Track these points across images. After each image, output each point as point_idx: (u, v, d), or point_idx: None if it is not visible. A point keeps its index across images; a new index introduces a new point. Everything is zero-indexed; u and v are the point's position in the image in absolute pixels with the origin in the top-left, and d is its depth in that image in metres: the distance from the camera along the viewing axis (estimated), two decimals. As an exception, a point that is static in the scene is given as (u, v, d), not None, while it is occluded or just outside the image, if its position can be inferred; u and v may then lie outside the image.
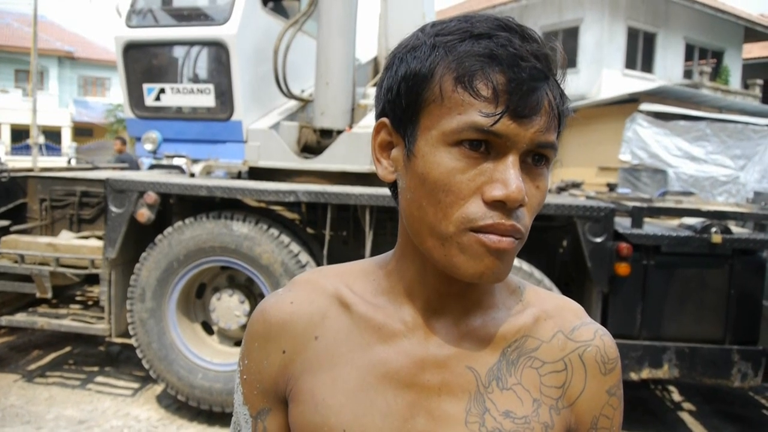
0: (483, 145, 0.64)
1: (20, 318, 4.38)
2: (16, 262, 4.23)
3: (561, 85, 0.68)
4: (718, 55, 18.90)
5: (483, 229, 0.64)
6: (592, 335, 0.77)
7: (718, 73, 18.35)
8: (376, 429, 0.71)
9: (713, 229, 3.71)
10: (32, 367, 4.92)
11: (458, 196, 0.65)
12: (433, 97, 0.65)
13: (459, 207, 0.65)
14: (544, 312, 0.78)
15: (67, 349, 5.38)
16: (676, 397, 4.97)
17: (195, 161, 4.75)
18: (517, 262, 3.67)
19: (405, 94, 0.68)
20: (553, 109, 0.65)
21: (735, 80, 18.90)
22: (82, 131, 25.13)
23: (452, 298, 0.74)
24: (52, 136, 23.97)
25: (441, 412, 0.72)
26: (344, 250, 4.23)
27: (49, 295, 4.21)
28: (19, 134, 24.04)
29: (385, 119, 0.72)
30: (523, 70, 0.62)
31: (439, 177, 0.65)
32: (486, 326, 0.75)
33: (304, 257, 3.87)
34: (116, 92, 26.69)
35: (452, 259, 0.66)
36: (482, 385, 0.72)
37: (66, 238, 4.64)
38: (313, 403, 0.74)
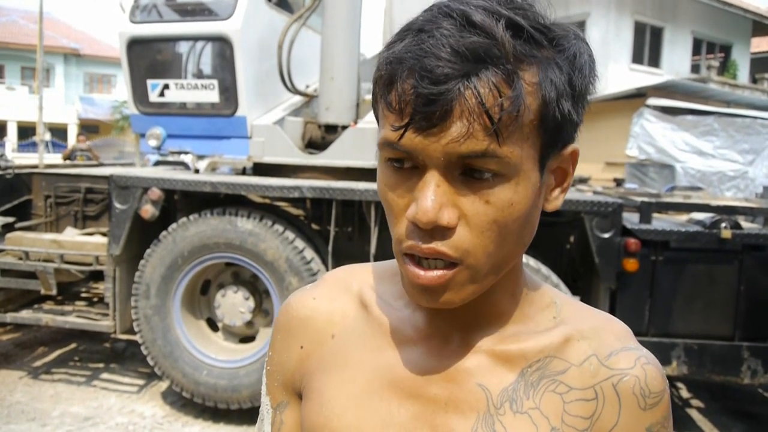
0: (409, 162, 0.58)
1: (25, 315, 4.38)
2: (20, 258, 4.23)
3: (510, 76, 0.54)
4: (726, 50, 18.77)
5: (407, 251, 0.60)
6: (632, 363, 0.67)
7: (726, 68, 18.22)
8: None
9: (723, 225, 3.66)
10: (37, 364, 4.92)
11: (394, 215, 0.61)
12: (377, 110, 0.62)
13: (395, 226, 0.62)
14: (579, 332, 0.69)
15: (72, 345, 5.38)
16: (685, 394, 4.93)
17: (201, 157, 4.73)
18: (524, 258, 3.63)
19: (373, 104, 0.64)
20: (475, 111, 0.54)
21: (743, 74, 18.76)
22: (88, 128, 25.16)
23: (461, 311, 0.67)
24: (59, 133, 24.03)
25: (446, 429, 0.66)
26: (349, 246, 4.20)
27: (54, 291, 4.20)
28: (26, 131, 24.12)
29: None
30: (428, 73, 0.53)
31: (380, 192, 0.63)
32: (505, 341, 0.68)
33: (309, 253, 3.84)
34: (122, 89, 26.71)
35: (403, 281, 0.64)
36: (493, 406, 0.66)
37: (70, 234, 4.64)
38: (320, 403, 0.72)
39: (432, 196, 0.56)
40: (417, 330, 0.71)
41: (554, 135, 0.60)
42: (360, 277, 0.78)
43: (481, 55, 0.54)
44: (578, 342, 0.68)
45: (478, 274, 0.61)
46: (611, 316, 0.74)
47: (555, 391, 0.66)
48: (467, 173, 0.58)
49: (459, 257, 0.59)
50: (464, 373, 0.68)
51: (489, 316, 0.69)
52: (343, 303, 0.76)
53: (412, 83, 0.55)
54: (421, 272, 0.60)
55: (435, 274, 0.59)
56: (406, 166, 0.59)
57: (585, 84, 0.62)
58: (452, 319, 0.69)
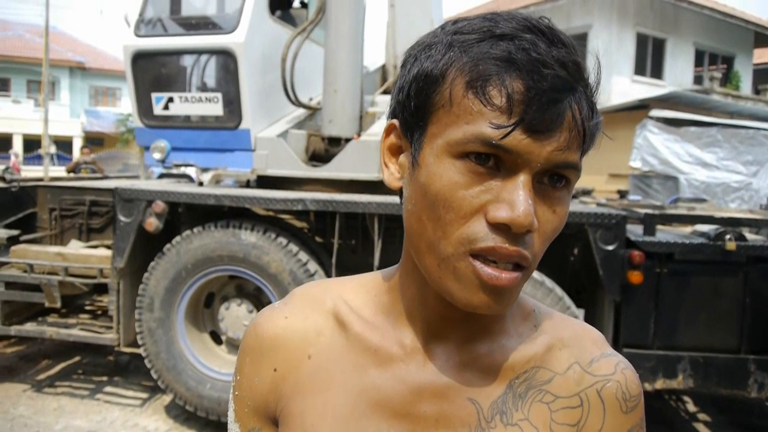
0: (492, 160, 0.58)
1: (29, 327, 4.38)
2: (25, 271, 4.24)
3: (592, 98, 0.60)
4: (729, 61, 18.79)
5: (483, 252, 0.58)
6: (612, 369, 0.70)
7: (728, 79, 18.23)
8: None
9: (727, 236, 3.65)
10: (41, 376, 4.91)
11: (459, 214, 0.58)
12: (442, 102, 0.59)
13: (459, 226, 0.59)
14: (560, 340, 0.71)
15: (76, 358, 5.38)
16: (691, 407, 4.89)
17: (205, 170, 4.75)
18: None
19: (415, 96, 0.62)
20: (577, 124, 0.57)
21: (746, 85, 18.77)
22: (93, 141, 25.29)
23: (455, 322, 0.68)
24: (64, 146, 24.16)
25: None
26: (353, 259, 4.20)
27: (58, 304, 4.20)
28: (31, 144, 24.26)
29: (395, 121, 0.67)
30: (544, 79, 0.55)
31: (441, 190, 0.59)
32: (492, 354, 0.68)
33: (313, 266, 3.84)
34: (127, 102, 26.87)
35: (446, 283, 0.61)
36: (484, 419, 0.66)
37: (75, 247, 4.65)
38: (302, 428, 0.69)
39: (529, 200, 0.57)
40: (401, 346, 0.69)
41: (586, 148, 0.63)
42: (333, 293, 0.75)
43: (580, 72, 0.59)
44: (560, 351, 0.71)
45: (527, 281, 0.62)
46: (585, 323, 0.76)
47: (542, 401, 0.68)
48: (544, 182, 0.59)
49: (531, 261, 0.60)
50: (453, 389, 0.67)
51: (476, 331, 0.69)
52: (317, 320, 0.73)
53: (527, 85, 0.55)
54: (502, 274, 0.58)
55: (514, 275, 0.59)
56: (489, 164, 0.58)
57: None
58: (441, 334, 0.69)
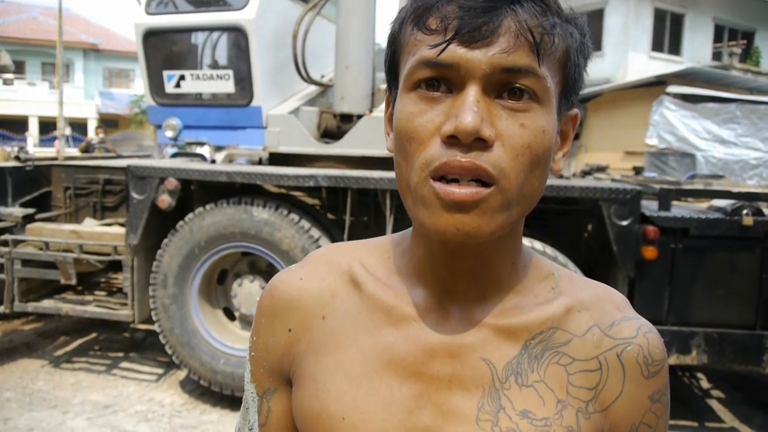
0: (442, 85, 0.58)
1: (46, 304, 4.44)
2: (41, 249, 4.28)
3: (545, 6, 0.59)
4: (749, 36, 18.40)
5: (439, 171, 0.57)
6: (634, 332, 0.68)
7: (748, 55, 17.86)
8: (378, 419, 0.65)
9: (744, 211, 3.59)
10: (59, 353, 4.99)
11: (419, 142, 0.59)
12: (401, 50, 0.63)
13: (420, 153, 0.59)
14: (579, 302, 0.69)
15: (93, 335, 5.45)
16: (705, 384, 4.87)
17: (219, 149, 4.75)
18: (540, 245, 3.61)
19: (389, 58, 0.66)
20: (522, 27, 0.56)
21: (766, 61, 18.38)
22: (108, 123, 25.42)
23: (465, 277, 0.66)
24: (79, 128, 24.30)
25: (450, 406, 0.65)
26: (365, 235, 4.14)
27: (74, 281, 4.25)
28: (47, 126, 24.42)
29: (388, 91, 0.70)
30: None
31: (403, 125, 0.60)
32: (507, 314, 0.67)
33: (325, 242, 3.84)
34: (140, 84, 26.95)
35: (418, 215, 0.60)
36: (498, 380, 0.65)
37: (89, 225, 4.69)
38: (314, 388, 0.69)
39: (474, 108, 0.56)
40: (415, 306, 0.68)
41: (571, 84, 0.63)
42: (348, 255, 0.75)
43: None
44: (579, 313, 0.68)
45: (509, 202, 0.59)
46: (609, 286, 0.74)
47: (559, 363, 0.66)
48: (504, 96, 0.58)
49: (496, 176, 0.57)
50: (467, 348, 0.66)
51: (489, 287, 0.68)
52: (332, 282, 0.73)
53: (460, 3, 0.57)
54: (456, 189, 0.57)
55: (471, 190, 0.57)
56: (440, 90, 0.59)
57: (589, 54, 0.66)
58: (453, 291, 0.68)
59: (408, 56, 0.61)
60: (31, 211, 4.77)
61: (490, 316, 0.67)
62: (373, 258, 0.74)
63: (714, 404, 4.47)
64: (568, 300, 0.69)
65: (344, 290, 0.72)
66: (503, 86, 0.58)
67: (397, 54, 0.64)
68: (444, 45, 0.56)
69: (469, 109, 0.56)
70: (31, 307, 4.41)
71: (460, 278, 0.67)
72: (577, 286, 0.71)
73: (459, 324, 0.67)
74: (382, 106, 4.61)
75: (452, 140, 0.57)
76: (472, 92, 0.57)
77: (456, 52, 0.57)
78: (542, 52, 0.58)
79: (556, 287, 0.70)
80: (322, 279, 0.74)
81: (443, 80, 0.58)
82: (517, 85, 0.58)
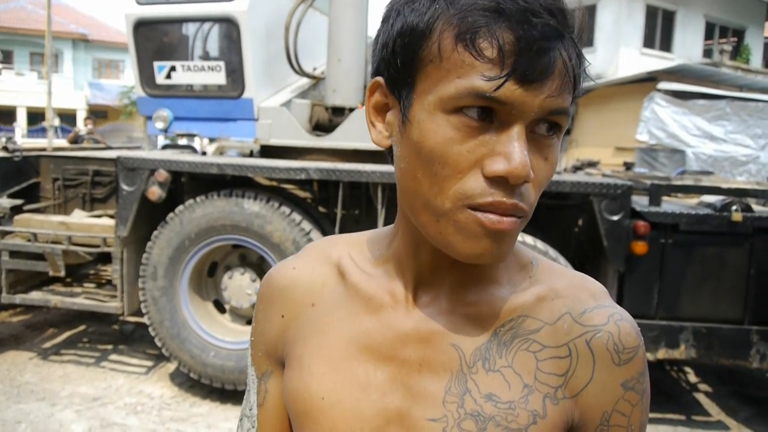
0: (485, 113, 0.57)
1: (34, 296, 4.41)
2: (29, 240, 4.25)
3: (578, 45, 0.59)
4: (739, 34, 18.49)
5: (482, 207, 0.58)
6: (605, 319, 0.67)
7: (738, 52, 17.95)
8: (353, 400, 0.69)
9: (733, 207, 3.62)
10: (47, 345, 4.96)
11: (456, 169, 0.58)
12: (430, 57, 0.58)
13: (456, 181, 0.59)
14: (553, 291, 0.70)
15: (82, 327, 5.42)
16: (692, 378, 4.91)
17: (212, 140, 4.72)
18: (531, 240, 3.62)
19: (401, 53, 0.61)
20: (567, 70, 0.57)
21: (756, 59, 18.50)
22: (97, 114, 25.21)
23: (446, 271, 0.69)
24: (68, 119, 24.08)
25: (419, 388, 0.68)
26: (356, 229, 4.16)
27: (62, 273, 4.22)
28: (35, 117, 24.19)
29: (380, 78, 0.66)
30: (533, 27, 0.55)
31: (435, 147, 0.59)
32: (479, 303, 0.69)
33: (316, 236, 3.83)
34: (130, 75, 26.73)
35: (447, 238, 0.61)
36: (466, 365, 0.67)
37: (78, 216, 4.66)
38: (300, 370, 0.73)
39: (525, 151, 0.57)
40: (392, 295, 0.72)
41: (576, 94, 0.63)
42: (340, 247, 0.79)
43: (569, 19, 0.58)
44: (552, 301, 0.70)
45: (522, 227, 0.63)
46: (588, 276, 0.75)
47: (528, 350, 0.67)
48: (535, 131, 0.59)
49: (528, 210, 0.61)
50: (438, 335, 0.69)
51: (465, 277, 0.70)
52: (323, 272, 0.77)
53: (519, 34, 0.55)
54: (504, 218, 0.59)
55: (513, 219, 0.59)
56: (480, 119, 0.57)
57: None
58: (430, 282, 0.71)
59: (452, 76, 0.57)
60: (19, 202, 4.72)
61: (463, 304, 0.69)
62: (361, 250, 0.77)
63: (701, 398, 4.52)
64: (542, 288, 0.70)
65: (333, 280, 0.77)
66: (539, 122, 0.59)
67: (423, 60, 0.60)
68: (503, 81, 0.55)
69: (521, 152, 0.56)
70: (19, 298, 4.38)
71: (441, 272, 0.70)
72: (555, 276, 0.72)
73: (432, 312, 0.70)
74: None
75: (500, 180, 0.57)
76: (521, 133, 0.57)
77: (512, 91, 0.56)
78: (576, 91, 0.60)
79: (533, 276, 0.72)
80: (313, 269, 0.78)
81: (488, 110, 0.57)
82: (553, 122, 0.60)
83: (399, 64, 0.61)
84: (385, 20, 0.64)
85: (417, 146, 0.60)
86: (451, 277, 0.70)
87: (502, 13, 0.55)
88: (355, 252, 0.77)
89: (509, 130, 0.57)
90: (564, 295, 0.70)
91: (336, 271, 0.77)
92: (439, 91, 0.58)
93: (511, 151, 0.56)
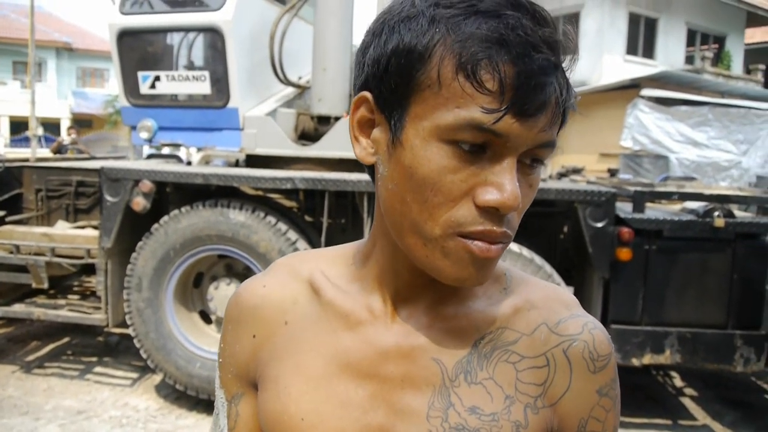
0: (481, 145, 0.58)
1: (17, 309, 4.36)
2: (11, 252, 4.20)
3: (568, 76, 0.60)
4: (720, 41, 18.75)
5: (472, 235, 0.59)
6: (579, 329, 0.69)
7: (720, 59, 18.19)
8: (335, 419, 0.68)
9: (716, 213, 3.67)
10: (30, 358, 4.90)
11: (447, 197, 0.59)
12: (429, 83, 0.57)
13: (447, 209, 0.59)
14: (529, 302, 0.71)
15: (65, 339, 5.36)
16: (678, 382, 4.94)
17: (198, 149, 4.70)
18: (516, 248, 3.63)
19: (395, 73, 0.59)
20: (558, 104, 0.58)
21: (737, 65, 18.75)
22: (82, 122, 25.02)
23: (424, 288, 0.69)
24: (52, 128, 23.86)
25: (402, 405, 0.67)
26: (342, 238, 4.19)
27: (45, 285, 4.18)
28: (18, 126, 23.95)
29: (367, 94, 0.63)
30: (534, 62, 0.55)
31: (429, 175, 0.58)
32: (458, 316, 0.69)
33: (302, 245, 3.83)
34: (114, 83, 26.59)
35: (435, 262, 0.62)
36: (448, 379, 0.67)
37: (62, 228, 4.61)
38: (276, 391, 0.71)
39: (516, 183, 0.58)
40: (371, 311, 0.71)
41: (563, 126, 0.64)
42: (310, 263, 0.77)
43: (562, 52, 0.58)
44: (528, 312, 0.71)
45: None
46: (559, 286, 0.76)
47: (508, 361, 0.68)
48: (524, 162, 0.60)
49: (511, 237, 0.62)
50: (418, 350, 0.68)
51: (443, 293, 0.70)
52: (294, 289, 0.76)
53: (519, 69, 0.55)
54: (492, 246, 0.60)
55: (500, 246, 0.61)
56: (473, 149, 0.58)
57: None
58: (408, 298, 0.70)
59: (450, 105, 0.57)
60: (1, 213, 4.67)
61: (442, 319, 0.70)
62: (334, 266, 0.76)
63: (687, 402, 4.55)
64: (517, 300, 0.71)
65: (305, 297, 0.75)
66: (528, 154, 0.60)
67: (420, 85, 0.58)
68: (502, 114, 0.55)
69: (512, 184, 0.57)
70: (1, 311, 4.32)
71: (419, 288, 0.70)
72: (528, 287, 0.73)
73: (411, 327, 0.69)
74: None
75: (490, 209, 0.58)
76: (513, 164, 0.58)
77: (510, 124, 0.56)
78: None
79: (508, 287, 0.72)
80: (284, 286, 0.76)
81: (484, 143, 0.58)
82: (540, 155, 0.61)
83: (392, 84, 0.60)
84: (376, 34, 0.62)
85: (409, 171, 0.60)
86: (430, 292, 0.70)
87: (504, 44, 0.55)
88: (327, 268, 0.75)
89: (501, 161, 0.58)
90: (539, 306, 0.71)
91: (308, 288, 0.75)
92: (437, 118, 0.57)
93: (504, 182, 0.57)
